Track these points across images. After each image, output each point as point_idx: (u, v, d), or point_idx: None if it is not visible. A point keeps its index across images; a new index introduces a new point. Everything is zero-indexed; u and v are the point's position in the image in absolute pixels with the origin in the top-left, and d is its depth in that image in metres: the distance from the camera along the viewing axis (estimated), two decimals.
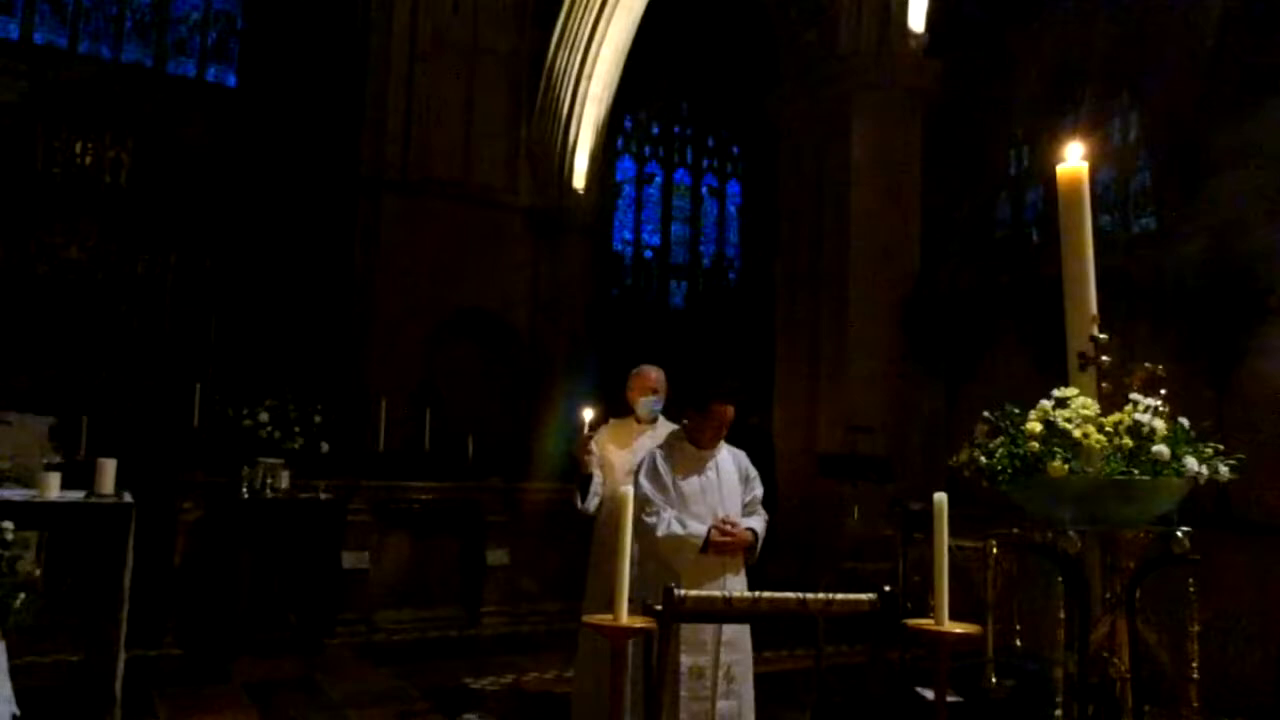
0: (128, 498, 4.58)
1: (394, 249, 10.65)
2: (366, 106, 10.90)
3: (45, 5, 11.41)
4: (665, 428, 4.31)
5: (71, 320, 10.26)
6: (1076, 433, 2.10)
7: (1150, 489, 2.10)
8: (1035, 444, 2.14)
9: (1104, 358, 2.25)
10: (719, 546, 3.69)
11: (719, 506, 3.79)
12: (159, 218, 10.81)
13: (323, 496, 6.85)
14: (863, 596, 2.60)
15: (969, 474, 2.29)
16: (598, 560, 4.33)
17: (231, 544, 6.52)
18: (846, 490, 7.71)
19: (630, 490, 2.57)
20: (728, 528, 3.71)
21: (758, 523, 3.86)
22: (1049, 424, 2.15)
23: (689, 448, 3.87)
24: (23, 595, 3.24)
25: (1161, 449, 2.08)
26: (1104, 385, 2.23)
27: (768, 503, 4.05)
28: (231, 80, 12.28)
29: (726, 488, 3.86)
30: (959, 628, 2.32)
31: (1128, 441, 2.10)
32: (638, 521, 3.58)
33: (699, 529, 3.69)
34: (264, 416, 6.73)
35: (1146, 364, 2.24)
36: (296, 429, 6.87)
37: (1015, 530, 2.46)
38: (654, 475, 3.81)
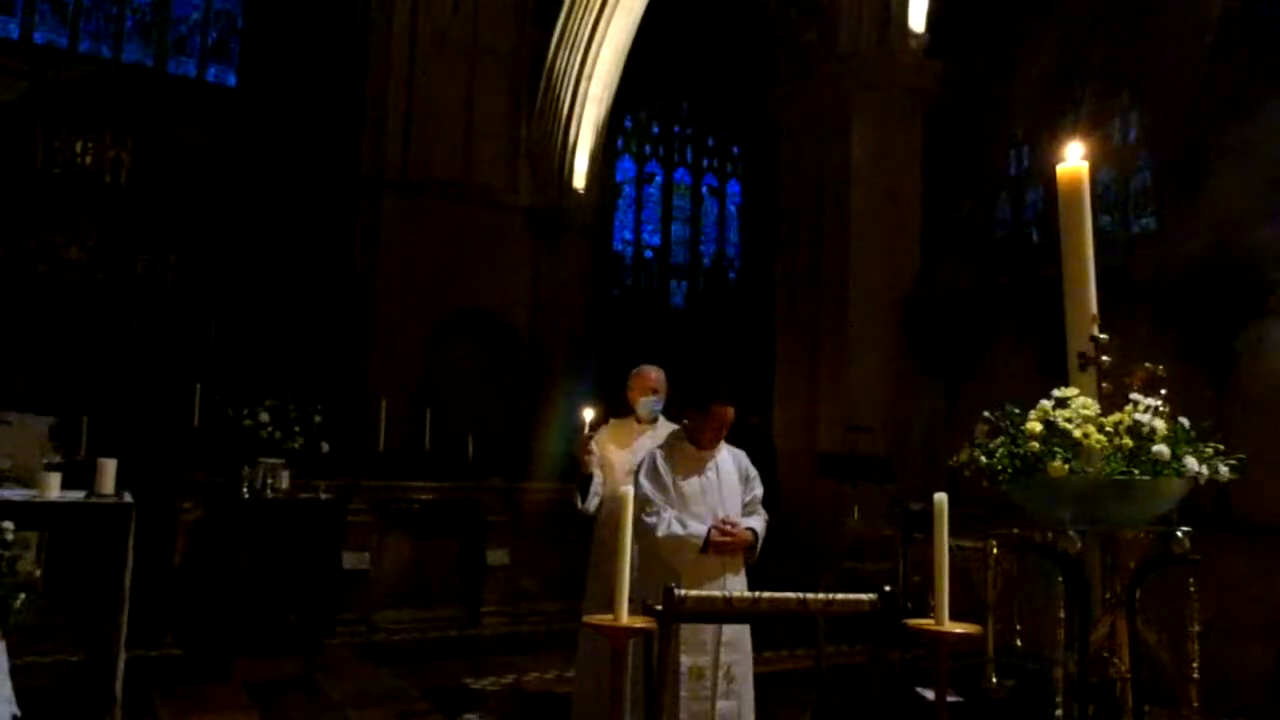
0: (128, 498, 4.58)
1: (394, 249, 10.65)
2: (366, 106, 10.90)
3: (45, 5, 11.42)
4: (665, 428, 4.31)
5: (72, 320, 10.26)
6: (1077, 433, 2.10)
7: (1150, 489, 2.10)
8: (1035, 444, 2.14)
9: (1104, 358, 2.25)
10: (719, 547, 3.69)
11: (719, 506, 3.79)
12: (159, 217, 10.81)
13: (323, 496, 6.85)
14: (863, 596, 2.60)
15: (969, 474, 2.29)
16: (598, 560, 4.33)
17: (232, 544, 6.52)
18: (847, 490, 7.71)
19: (630, 490, 2.57)
20: (728, 528, 3.71)
21: (758, 523, 3.86)
22: (1049, 424, 2.15)
23: (689, 448, 3.87)
24: (23, 595, 3.24)
25: (1162, 449, 2.08)
26: (1104, 385, 2.23)
27: (770, 503, 4.04)
28: (232, 80, 12.28)
29: (726, 488, 3.86)
30: (959, 628, 2.32)
31: (1128, 441, 2.10)
32: (638, 521, 3.58)
33: (699, 529, 3.69)
34: (264, 416, 6.73)
35: (1147, 364, 2.24)
36: (297, 429, 6.87)
37: (1016, 530, 2.46)
38: (654, 475, 3.81)
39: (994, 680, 3.64)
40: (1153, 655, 2.43)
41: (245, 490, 6.50)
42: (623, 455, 4.37)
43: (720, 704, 3.67)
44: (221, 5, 12.41)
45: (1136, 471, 2.09)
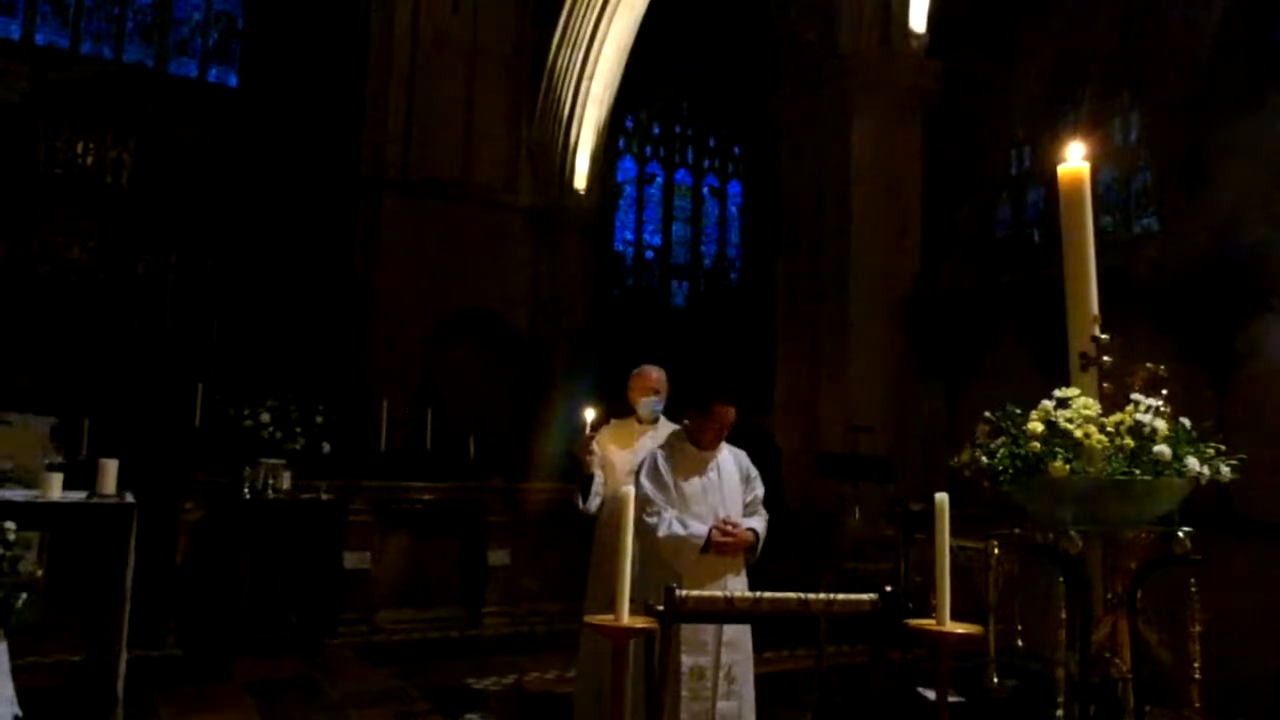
0: (129, 498, 4.59)
1: (394, 249, 10.66)
2: (367, 106, 10.91)
3: (47, 6, 11.43)
4: (666, 428, 4.31)
5: (73, 320, 10.27)
6: (1078, 433, 2.10)
7: (1152, 489, 2.10)
8: (1037, 444, 2.14)
9: (1105, 358, 2.25)
10: (720, 547, 3.69)
11: (720, 507, 3.79)
12: (160, 218, 10.82)
13: (324, 497, 6.85)
14: (864, 597, 2.60)
15: (970, 474, 2.28)
16: (599, 560, 4.33)
17: (233, 544, 6.52)
18: (847, 490, 7.71)
19: (631, 490, 2.57)
20: (729, 528, 3.71)
21: (759, 523, 3.85)
22: (1050, 424, 2.14)
23: (690, 448, 3.86)
24: (25, 595, 3.24)
25: (1163, 449, 2.08)
26: (1105, 385, 2.23)
27: (771, 503, 4.04)
28: (233, 81, 12.30)
29: (728, 488, 3.86)
30: (960, 628, 2.31)
31: (1129, 441, 2.10)
32: (639, 522, 3.58)
33: (700, 529, 3.69)
34: (265, 417, 6.73)
35: (1148, 364, 2.24)
36: (298, 429, 6.87)
37: (1017, 530, 2.46)
38: (655, 475, 3.80)
39: (995, 680, 3.64)
40: (1154, 655, 2.43)
41: (246, 490, 6.50)
42: (624, 455, 4.37)
43: (721, 704, 3.67)
44: (222, 6, 12.42)
45: (1138, 472, 2.09)
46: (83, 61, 11.38)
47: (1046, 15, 9.55)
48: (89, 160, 10.52)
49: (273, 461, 6.62)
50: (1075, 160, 2.39)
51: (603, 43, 11.57)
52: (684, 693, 3.60)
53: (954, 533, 2.43)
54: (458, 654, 6.66)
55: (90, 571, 4.52)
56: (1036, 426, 2.15)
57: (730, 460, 3.93)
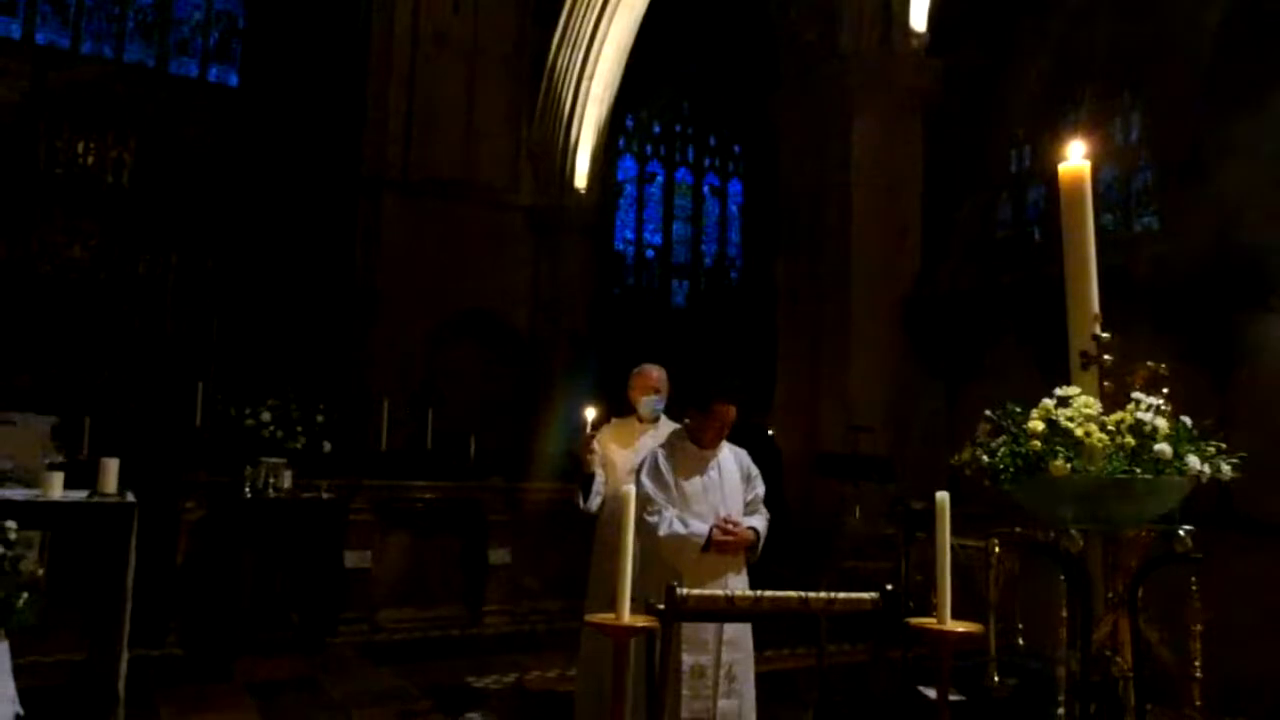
0: (130, 497, 4.59)
1: (395, 249, 10.67)
2: (368, 106, 10.92)
3: (47, 5, 11.44)
4: (667, 427, 4.31)
5: (74, 320, 10.28)
6: (1079, 431, 2.10)
7: (1152, 488, 2.10)
8: (1037, 443, 2.14)
9: (1106, 356, 2.25)
10: (721, 546, 3.69)
11: (721, 505, 3.79)
12: (161, 217, 10.83)
13: (325, 496, 6.85)
14: (865, 595, 2.60)
15: (971, 473, 2.28)
16: (600, 559, 4.33)
17: (234, 543, 6.53)
18: (848, 490, 7.71)
19: (632, 489, 2.57)
20: (729, 527, 3.72)
21: (759, 522, 3.86)
22: (1051, 423, 2.14)
23: (691, 447, 3.87)
24: (26, 595, 3.25)
25: (1164, 448, 2.08)
26: (1106, 384, 2.23)
27: (773, 502, 4.04)
28: (233, 80, 12.30)
29: (728, 487, 3.86)
30: (961, 626, 2.31)
31: (1130, 440, 2.10)
32: (639, 521, 3.58)
33: (701, 528, 3.69)
34: (266, 416, 6.74)
35: (1149, 362, 2.24)
36: (299, 429, 6.87)
37: (1017, 529, 2.46)
38: (655, 474, 3.81)
39: (996, 679, 3.65)
40: (1155, 654, 2.43)
41: (247, 490, 6.50)
42: (624, 454, 4.37)
43: (722, 703, 3.67)
44: (223, 6, 12.43)
45: (1138, 470, 2.09)
46: (83, 61, 11.39)
47: (1046, 15, 9.55)
48: (89, 160, 10.53)
49: (273, 461, 6.63)
50: (1076, 159, 2.39)
51: (603, 42, 11.57)
52: (685, 691, 3.60)
53: (955, 531, 2.43)
54: (459, 653, 6.67)
55: (91, 571, 4.52)
56: (1037, 425, 2.15)
57: (731, 459, 3.93)
